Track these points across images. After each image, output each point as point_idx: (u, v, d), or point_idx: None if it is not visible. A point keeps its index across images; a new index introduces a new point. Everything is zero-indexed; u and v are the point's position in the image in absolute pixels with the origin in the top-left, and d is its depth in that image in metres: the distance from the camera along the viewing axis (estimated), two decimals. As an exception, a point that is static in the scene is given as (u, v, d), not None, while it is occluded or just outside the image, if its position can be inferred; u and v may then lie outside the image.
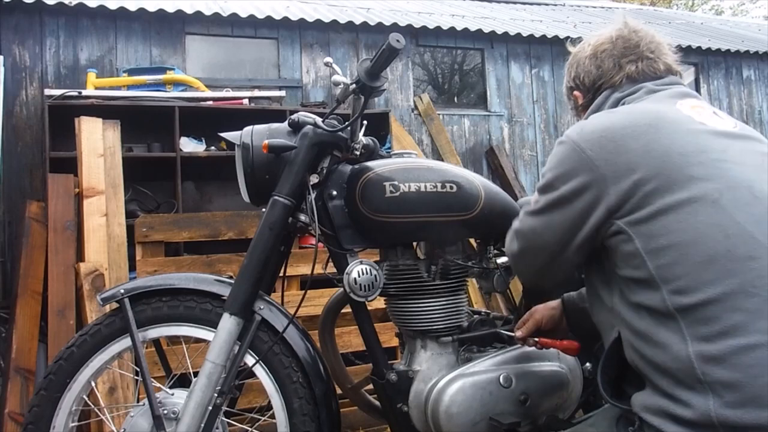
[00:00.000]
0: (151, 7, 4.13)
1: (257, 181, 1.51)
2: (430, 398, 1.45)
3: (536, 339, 1.45)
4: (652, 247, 1.01)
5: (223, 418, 1.47)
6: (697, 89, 5.82)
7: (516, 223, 1.27)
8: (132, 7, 4.08)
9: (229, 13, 4.29)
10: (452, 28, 5.05)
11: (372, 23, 4.69)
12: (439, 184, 1.51)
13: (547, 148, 5.31)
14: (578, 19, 6.83)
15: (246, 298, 1.44)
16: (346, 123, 1.51)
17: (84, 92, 3.57)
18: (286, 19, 4.50)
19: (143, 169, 3.69)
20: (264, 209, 1.49)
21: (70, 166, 3.01)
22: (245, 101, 3.89)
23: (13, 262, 3.49)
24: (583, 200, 1.08)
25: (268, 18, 4.42)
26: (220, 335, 1.41)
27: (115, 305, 1.48)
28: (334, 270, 1.55)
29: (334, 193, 1.53)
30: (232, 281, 1.48)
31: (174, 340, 1.62)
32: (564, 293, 1.50)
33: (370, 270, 1.47)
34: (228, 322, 1.42)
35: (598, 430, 1.19)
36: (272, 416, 1.48)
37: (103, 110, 3.31)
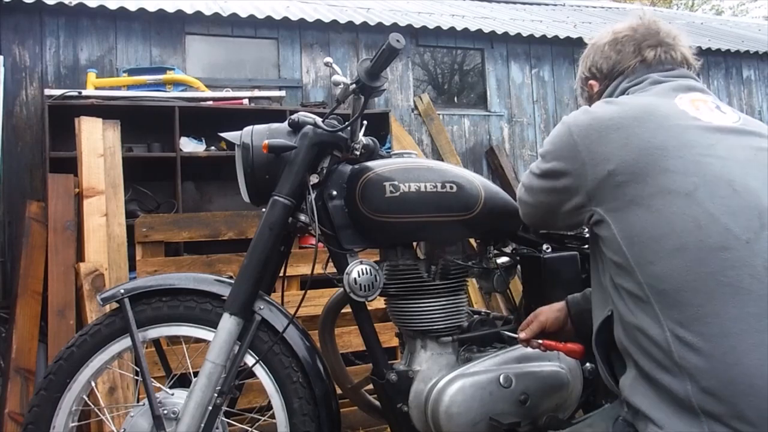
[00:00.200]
0: (151, 7, 4.12)
1: (257, 181, 1.51)
2: (430, 398, 1.45)
3: (540, 341, 1.44)
4: (627, 233, 1.05)
5: (223, 418, 1.47)
6: (697, 89, 5.81)
7: (523, 177, 1.34)
8: (132, 7, 4.08)
9: (229, 13, 4.28)
10: (452, 28, 5.05)
11: (372, 23, 4.69)
12: (439, 184, 1.51)
13: (547, 148, 5.30)
14: (578, 19, 6.83)
15: (246, 298, 1.44)
16: (346, 123, 1.51)
17: (84, 92, 3.57)
18: (286, 19, 4.50)
19: (143, 169, 3.69)
20: (264, 209, 1.49)
21: (70, 166, 3.01)
22: (245, 101, 3.89)
23: (13, 262, 3.49)
24: (565, 181, 1.15)
25: (268, 18, 4.42)
26: (220, 335, 1.41)
27: (115, 305, 1.48)
28: (334, 270, 1.55)
29: (334, 193, 1.53)
30: (232, 281, 1.48)
31: (174, 340, 1.62)
32: (569, 295, 1.50)
33: (370, 270, 1.47)
34: (228, 322, 1.42)
35: (596, 430, 1.19)
36: (272, 416, 1.48)
37: (103, 110, 3.31)
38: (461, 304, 1.59)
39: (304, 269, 2.83)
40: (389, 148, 4.08)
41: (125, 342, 1.47)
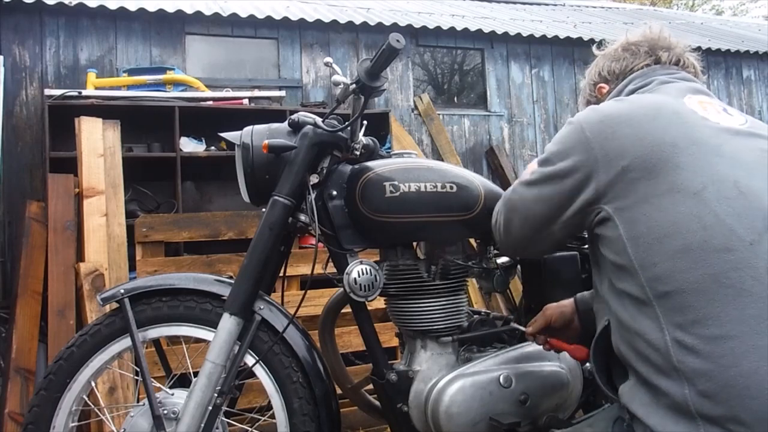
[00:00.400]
0: (151, 7, 4.12)
1: (257, 181, 1.51)
2: (430, 398, 1.45)
3: (546, 338, 1.45)
4: (633, 234, 1.04)
5: (223, 418, 1.47)
6: (697, 89, 5.81)
7: (507, 192, 1.32)
8: (132, 7, 4.08)
9: (229, 13, 4.28)
10: (452, 28, 5.05)
11: (372, 23, 4.69)
12: (439, 184, 1.51)
13: (547, 148, 5.31)
14: (578, 19, 6.83)
15: (246, 298, 1.44)
16: (346, 123, 1.51)
17: (84, 92, 3.57)
18: (286, 19, 4.50)
19: (143, 169, 3.69)
20: (264, 209, 1.49)
21: (70, 166, 3.01)
22: (245, 101, 3.89)
23: (13, 262, 3.49)
24: (575, 178, 1.12)
25: (268, 18, 4.42)
26: (220, 335, 1.41)
27: (115, 305, 1.48)
28: (334, 270, 1.55)
29: (334, 193, 1.53)
30: (232, 281, 1.48)
31: (174, 340, 1.62)
32: (577, 293, 1.50)
33: (370, 270, 1.47)
34: (228, 322, 1.42)
35: (595, 430, 1.19)
36: (272, 416, 1.48)
37: (103, 110, 3.31)
38: (461, 304, 1.59)
39: (304, 269, 2.83)
40: (389, 148, 4.08)
41: (125, 342, 1.47)
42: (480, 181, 1.57)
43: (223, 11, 4.28)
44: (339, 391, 1.66)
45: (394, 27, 4.72)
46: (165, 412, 1.41)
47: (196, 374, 1.42)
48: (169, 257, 2.95)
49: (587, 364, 1.57)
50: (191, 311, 1.49)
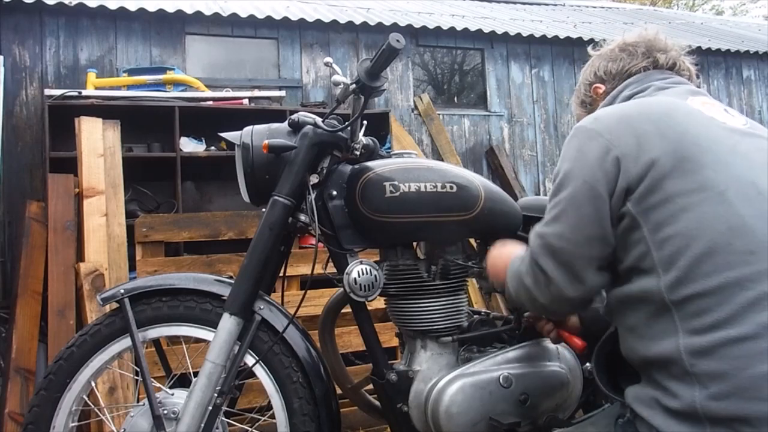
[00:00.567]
0: (151, 7, 4.12)
1: (257, 181, 1.51)
2: (430, 398, 1.45)
3: (549, 326, 1.45)
4: (659, 237, 1.01)
5: (223, 418, 1.47)
6: (697, 89, 5.81)
7: (533, 245, 1.15)
8: (132, 7, 4.08)
9: (229, 13, 4.28)
10: (452, 28, 5.05)
11: (372, 23, 4.69)
12: (439, 184, 1.51)
13: (547, 148, 5.31)
14: (578, 19, 6.83)
15: (246, 298, 1.44)
16: (346, 123, 1.51)
17: (84, 92, 3.57)
18: (286, 19, 4.50)
19: (143, 169, 3.69)
20: (264, 209, 1.49)
21: (70, 166, 3.01)
22: (245, 101, 3.89)
23: (13, 262, 3.49)
24: (606, 181, 1.05)
25: (268, 18, 4.42)
26: (220, 335, 1.41)
27: (115, 305, 1.48)
28: (334, 270, 1.55)
29: (334, 193, 1.53)
30: (232, 281, 1.48)
31: (174, 340, 1.62)
32: None
33: (370, 270, 1.47)
34: (228, 322, 1.42)
35: (597, 429, 1.20)
36: (272, 416, 1.48)
37: (103, 110, 3.31)
38: (461, 304, 1.59)
39: (304, 269, 2.83)
40: (389, 148, 4.08)
41: (125, 342, 1.47)
42: (480, 181, 1.57)
43: (223, 11, 4.28)
44: (339, 391, 1.66)
45: (394, 27, 4.72)
46: (165, 412, 1.41)
47: (196, 374, 1.42)
48: (169, 257, 2.95)
49: (587, 364, 1.57)
50: (191, 311, 1.49)
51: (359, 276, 1.45)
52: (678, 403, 0.96)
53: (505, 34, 5.16)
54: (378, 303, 1.79)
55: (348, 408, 2.37)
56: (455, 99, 5.31)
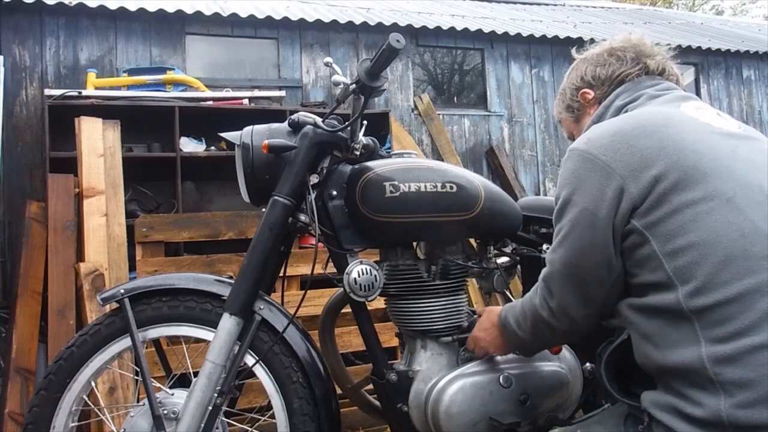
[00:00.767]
0: (151, 7, 4.13)
1: (257, 181, 1.51)
2: (430, 398, 1.45)
3: None
4: (670, 248, 1.00)
5: (223, 418, 1.47)
6: (697, 89, 5.82)
7: (544, 272, 1.18)
8: (132, 7, 4.08)
9: (229, 13, 4.29)
10: (452, 28, 5.05)
11: (372, 23, 4.69)
12: (439, 184, 1.51)
13: (547, 148, 5.32)
14: (578, 19, 6.83)
15: (246, 298, 1.44)
16: (346, 123, 1.51)
17: (84, 92, 3.57)
18: (286, 19, 4.50)
19: (143, 169, 3.69)
20: (264, 209, 1.49)
21: (70, 166, 3.01)
22: (245, 101, 3.89)
23: (13, 262, 3.49)
24: (607, 205, 1.05)
25: (268, 18, 4.42)
26: (220, 335, 1.41)
27: (115, 305, 1.48)
28: (334, 270, 1.55)
29: (334, 193, 1.53)
30: (232, 281, 1.48)
31: (174, 340, 1.62)
32: None
33: (370, 270, 1.47)
34: (228, 322, 1.42)
35: (605, 428, 1.18)
36: (272, 416, 1.48)
37: (103, 110, 3.31)
38: (461, 304, 1.59)
39: (304, 269, 2.83)
40: (389, 148, 4.08)
41: (125, 342, 1.47)
42: (480, 181, 1.57)
43: (223, 11, 4.28)
44: (339, 391, 1.66)
45: (394, 27, 4.72)
46: (165, 412, 1.41)
47: (196, 374, 1.42)
48: (169, 257, 2.95)
49: (587, 364, 1.57)
50: (191, 311, 1.49)
51: (359, 276, 1.45)
52: (702, 411, 0.94)
53: (505, 34, 5.16)
54: (378, 303, 1.79)
55: (348, 408, 2.37)
56: (455, 99, 5.31)
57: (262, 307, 1.48)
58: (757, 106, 6.14)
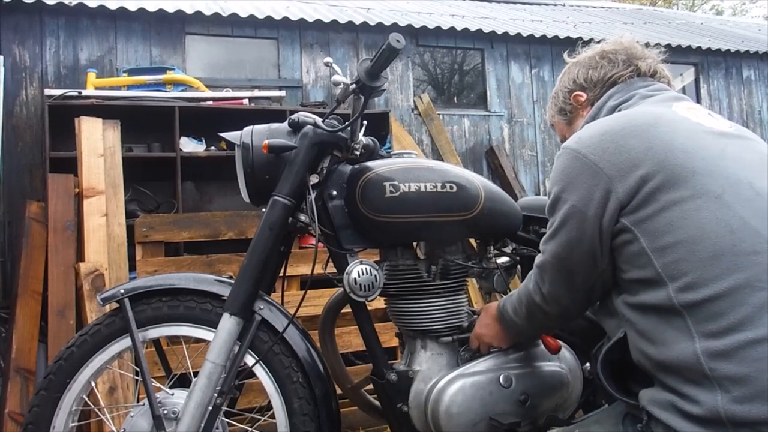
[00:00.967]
0: (151, 7, 4.13)
1: (257, 181, 1.51)
2: (430, 398, 1.45)
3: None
4: (658, 245, 1.01)
5: (223, 418, 1.47)
6: (697, 89, 5.82)
7: (537, 260, 1.24)
8: (132, 7, 4.08)
9: (229, 13, 4.29)
10: (452, 28, 5.05)
11: (372, 23, 4.69)
12: (439, 184, 1.51)
13: (547, 148, 5.32)
14: (578, 19, 6.83)
15: (246, 298, 1.44)
16: (346, 123, 1.51)
17: (84, 92, 3.57)
18: (286, 19, 4.50)
19: (143, 169, 3.69)
20: (264, 209, 1.49)
21: (70, 166, 3.01)
22: (245, 101, 3.89)
23: (13, 262, 3.49)
24: (594, 204, 1.07)
25: (268, 18, 4.42)
26: (220, 335, 1.41)
27: (115, 305, 1.48)
28: (334, 270, 1.55)
29: (334, 193, 1.53)
30: (232, 281, 1.48)
31: (174, 340, 1.62)
32: None
33: (370, 270, 1.47)
34: (228, 322, 1.42)
35: (604, 427, 1.18)
36: (272, 416, 1.48)
37: (103, 110, 3.31)
38: (461, 304, 1.59)
39: (304, 269, 2.83)
40: (389, 148, 4.08)
41: (125, 342, 1.47)
42: (480, 181, 1.57)
43: (223, 11, 4.28)
44: (339, 391, 1.66)
45: (394, 27, 4.72)
46: (165, 412, 1.41)
47: (196, 374, 1.42)
48: (169, 257, 2.95)
49: (587, 364, 1.57)
50: (191, 311, 1.48)
51: (359, 276, 1.45)
52: (699, 408, 0.94)
53: (505, 34, 5.16)
54: (378, 303, 1.79)
55: (348, 408, 2.37)
56: (455, 99, 5.31)
57: (262, 307, 1.48)
58: (757, 106, 6.14)
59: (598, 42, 1.42)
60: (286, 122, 1.54)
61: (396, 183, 1.49)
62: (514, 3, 7.64)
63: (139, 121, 3.58)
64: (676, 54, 5.44)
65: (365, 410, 1.83)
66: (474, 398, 1.43)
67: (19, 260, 2.99)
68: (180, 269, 2.75)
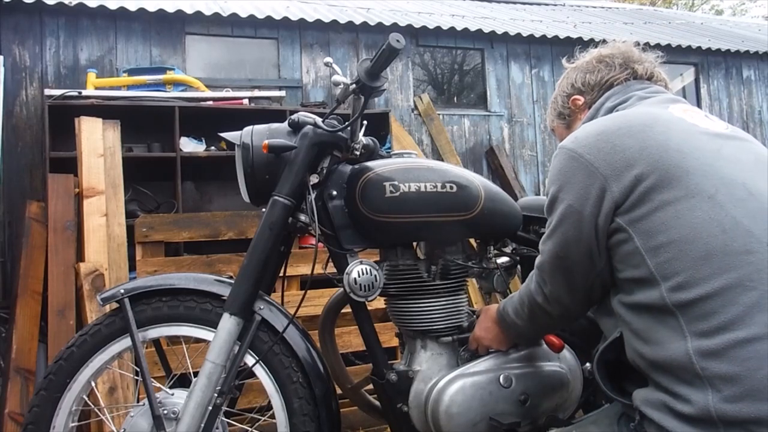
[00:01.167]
0: (151, 7, 4.13)
1: (257, 181, 1.51)
2: (430, 398, 1.45)
3: None
4: (652, 244, 1.02)
5: (223, 418, 1.47)
6: (697, 89, 5.82)
7: (537, 260, 1.24)
8: (132, 7, 4.08)
9: (229, 13, 4.29)
10: (452, 28, 5.05)
11: (372, 23, 4.69)
12: (439, 184, 1.51)
13: (547, 148, 5.32)
14: (578, 19, 6.83)
15: (246, 298, 1.44)
16: (346, 123, 1.51)
17: (84, 92, 3.57)
18: (286, 19, 4.50)
19: (143, 169, 3.69)
20: (264, 209, 1.49)
21: (70, 166, 3.01)
22: (245, 101, 3.89)
23: (13, 262, 3.49)
24: (590, 204, 1.08)
25: (268, 18, 4.42)
26: (220, 335, 1.41)
27: (115, 305, 1.48)
28: (334, 270, 1.55)
29: (334, 193, 1.53)
30: (232, 281, 1.48)
31: (174, 340, 1.62)
32: None
33: (370, 270, 1.47)
34: (228, 322, 1.42)
35: (599, 428, 1.19)
36: (272, 416, 1.48)
37: (103, 110, 3.31)
38: (461, 304, 1.59)
39: (304, 269, 2.83)
40: (389, 148, 4.08)
41: (125, 342, 1.47)
42: (480, 181, 1.57)
43: (223, 11, 4.28)
44: (339, 391, 1.66)
45: (394, 27, 4.72)
46: (165, 412, 1.41)
47: (196, 374, 1.42)
48: (169, 257, 2.95)
49: (587, 364, 1.57)
50: (191, 311, 1.49)
51: (359, 276, 1.45)
52: (691, 408, 0.95)
53: (505, 34, 5.16)
54: (378, 303, 1.79)
55: (348, 408, 2.37)
56: (455, 99, 5.31)
57: (262, 307, 1.48)
58: (757, 106, 6.14)
59: (598, 43, 1.44)
60: (286, 122, 1.54)
61: (396, 183, 1.49)
62: (514, 3, 7.64)
63: (139, 121, 3.58)
64: (676, 54, 5.45)
65: (365, 410, 1.83)
66: (474, 398, 1.43)
67: (19, 260, 2.99)
68: (180, 269, 2.75)
